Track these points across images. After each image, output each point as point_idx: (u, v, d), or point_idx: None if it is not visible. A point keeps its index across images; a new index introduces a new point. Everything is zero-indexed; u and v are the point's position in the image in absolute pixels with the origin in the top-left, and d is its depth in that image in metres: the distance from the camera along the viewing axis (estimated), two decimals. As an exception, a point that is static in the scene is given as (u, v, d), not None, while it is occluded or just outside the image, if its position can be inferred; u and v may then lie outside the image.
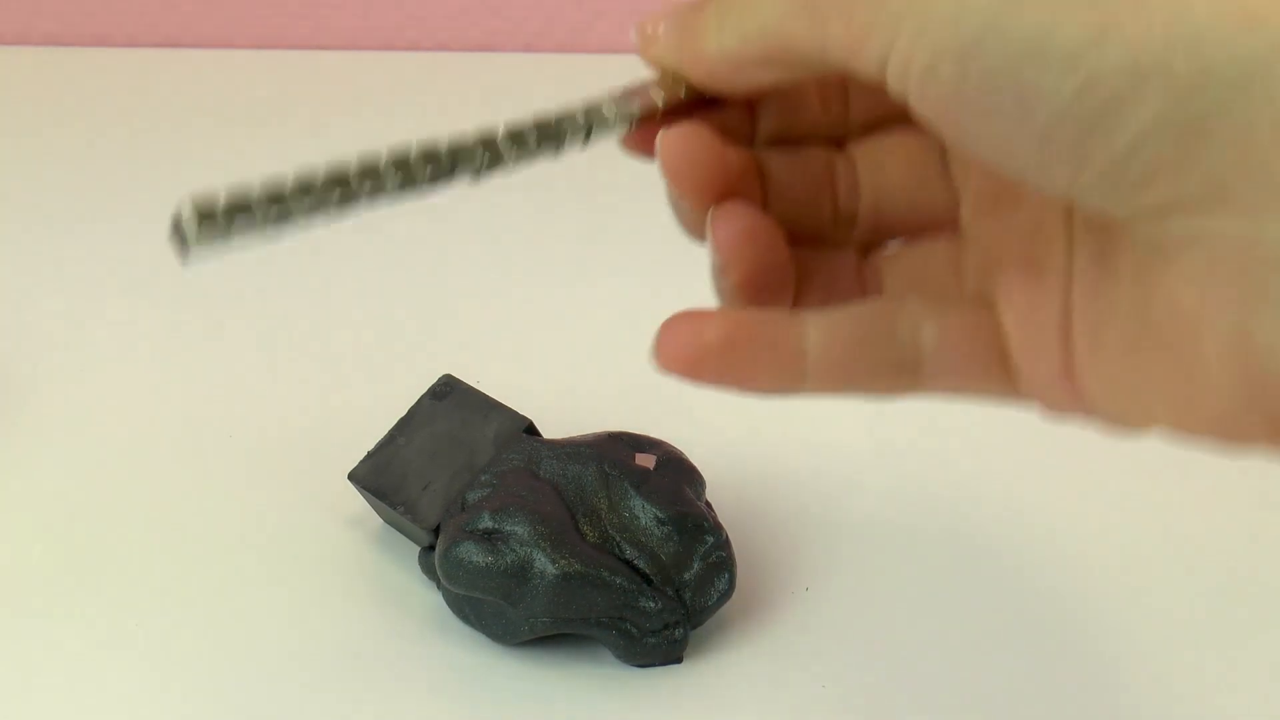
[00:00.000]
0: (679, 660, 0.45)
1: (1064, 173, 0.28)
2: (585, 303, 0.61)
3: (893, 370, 0.33)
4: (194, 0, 0.79)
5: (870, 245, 0.36)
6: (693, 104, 0.35)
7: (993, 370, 0.33)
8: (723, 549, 0.46)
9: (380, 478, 0.48)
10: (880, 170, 0.36)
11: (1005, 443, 0.54)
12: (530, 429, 0.49)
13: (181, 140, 0.71)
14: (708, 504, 0.48)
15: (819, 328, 0.33)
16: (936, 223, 0.35)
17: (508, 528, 0.44)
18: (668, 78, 0.35)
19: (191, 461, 0.53)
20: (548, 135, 0.36)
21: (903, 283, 0.35)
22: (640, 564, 0.45)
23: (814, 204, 0.36)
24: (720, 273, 0.34)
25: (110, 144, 0.71)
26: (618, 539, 0.46)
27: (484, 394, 0.50)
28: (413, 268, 0.63)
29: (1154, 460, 0.53)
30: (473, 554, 0.44)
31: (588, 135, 0.36)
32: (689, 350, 0.33)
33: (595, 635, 0.45)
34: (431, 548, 0.47)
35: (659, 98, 0.35)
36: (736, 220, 0.34)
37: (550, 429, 0.51)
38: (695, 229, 0.35)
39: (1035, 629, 0.47)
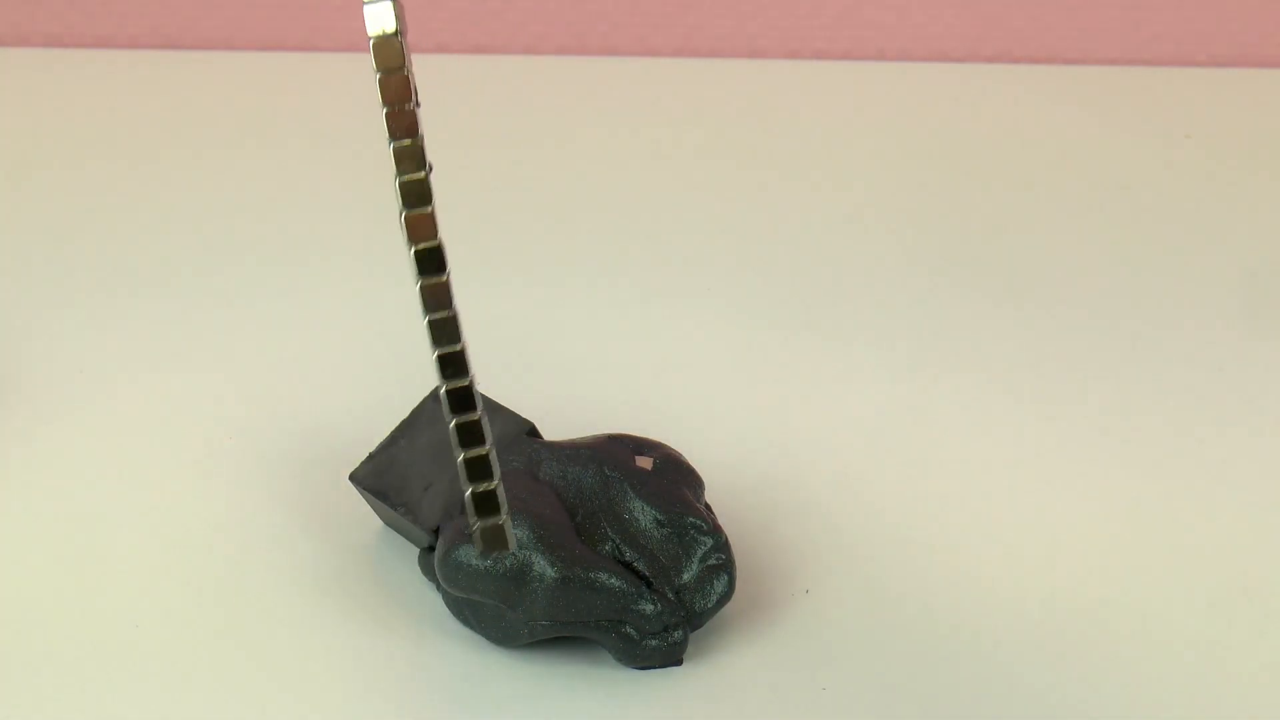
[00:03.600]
0: (679, 663, 0.45)
1: None
2: (587, 305, 0.61)
3: None
4: (195, 2, 0.79)
5: None
6: None
7: None
8: (722, 551, 0.46)
9: (381, 479, 0.48)
10: None
11: (1006, 444, 0.54)
12: (532, 431, 0.49)
13: (182, 142, 0.71)
14: (707, 506, 0.48)
15: None
16: None
17: (507, 530, 0.45)
18: None
19: (192, 462, 0.53)
20: None
21: None
22: (639, 566, 0.45)
23: None
24: None
25: (110, 146, 0.71)
26: (617, 541, 0.46)
27: (486, 396, 0.50)
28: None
29: (1156, 461, 0.53)
30: (472, 557, 0.44)
31: None
32: None
33: (595, 638, 0.45)
34: (432, 549, 0.47)
35: None
36: None
37: (552, 431, 0.51)
38: None
39: (1036, 631, 0.47)
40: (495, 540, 0.38)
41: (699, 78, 0.77)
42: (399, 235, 0.65)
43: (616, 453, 0.47)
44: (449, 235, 0.65)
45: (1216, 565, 0.49)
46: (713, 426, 0.55)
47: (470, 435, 0.38)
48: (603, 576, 0.44)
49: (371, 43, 0.35)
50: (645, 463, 0.47)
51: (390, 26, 0.35)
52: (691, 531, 0.46)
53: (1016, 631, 0.47)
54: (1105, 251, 0.64)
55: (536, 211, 0.67)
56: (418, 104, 0.35)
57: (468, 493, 0.38)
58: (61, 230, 0.65)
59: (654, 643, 0.45)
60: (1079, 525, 0.51)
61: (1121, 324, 0.60)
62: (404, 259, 0.63)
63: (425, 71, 0.77)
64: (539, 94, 0.76)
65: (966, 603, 0.48)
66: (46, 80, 0.76)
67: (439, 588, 0.46)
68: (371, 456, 0.49)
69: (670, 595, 0.45)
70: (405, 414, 0.51)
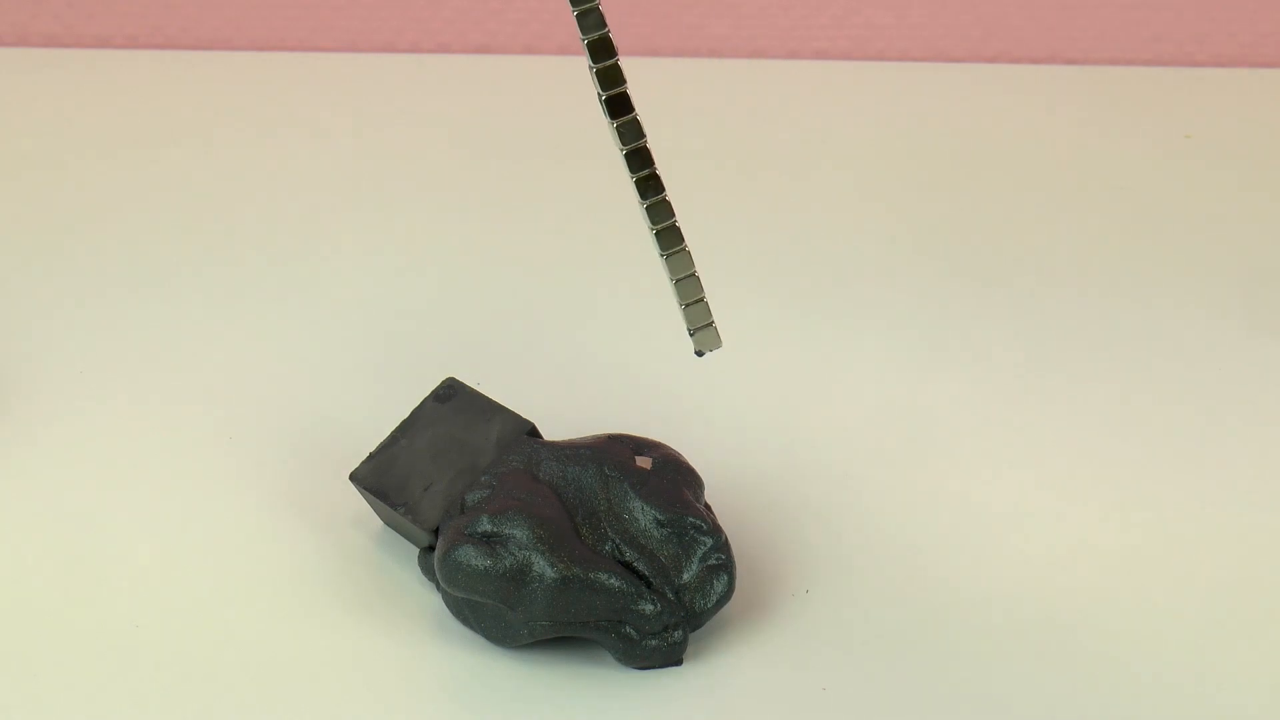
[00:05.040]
0: (679, 663, 0.45)
1: None
2: (588, 305, 0.61)
3: None
4: (194, 2, 0.79)
5: None
6: None
7: None
8: (722, 551, 0.46)
9: (382, 478, 0.48)
10: None
11: (1006, 444, 0.54)
12: (533, 431, 0.49)
13: (181, 142, 0.71)
14: (707, 506, 0.48)
15: None
16: None
17: (506, 531, 0.44)
18: None
19: (192, 461, 0.53)
20: None
21: None
22: (639, 566, 0.45)
23: None
24: None
25: (110, 146, 0.71)
26: (617, 541, 0.46)
27: (487, 397, 0.50)
28: (417, 270, 0.63)
29: (1156, 460, 0.53)
30: (471, 558, 0.44)
31: None
32: None
33: (595, 638, 0.45)
34: (432, 549, 0.47)
35: None
36: None
37: (552, 431, 0.51)
38: None
39: (1035, 630, 0.47)
40: (709, 339, 0.43)
41: (699, 78, 0.77)
42: (402, 233, 0.65)
43: (616, 453, 0.47)
44: (448, 236, 0.65)
45: (1216, 564, 0.49)
46: (713, 426, 0.55)
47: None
48: (603, 576, 0.44)
49: None
50: (645, 463, 0.47)
51: None
52: (691, 531, 0.46)
53: (1016, 631, 0.47)
54: (1105, 251, 0.64)
55: (536, 211, 0.66)
56: None
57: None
58: (61, 230, 0.65)
59: (654, 643, 0.45)
60: (1079, 524, 0.51)
61: (1121, 324, 0.60)
62: (409, 247, 0.64)
63: (424, 72, 0.77)
64: (540, 94, 0.76)
65: (966, 602, 0.48)
66: (46, 80, 0.76)
67: (439, 588, 0.46)
68: (371, 456, 0.49)
69: (670, 595, 0.45)
70: (405, 414, 0.51)
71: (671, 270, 0.43)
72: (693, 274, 0.43)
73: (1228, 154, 0.71)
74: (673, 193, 0.69)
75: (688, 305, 0.43)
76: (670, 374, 0.57)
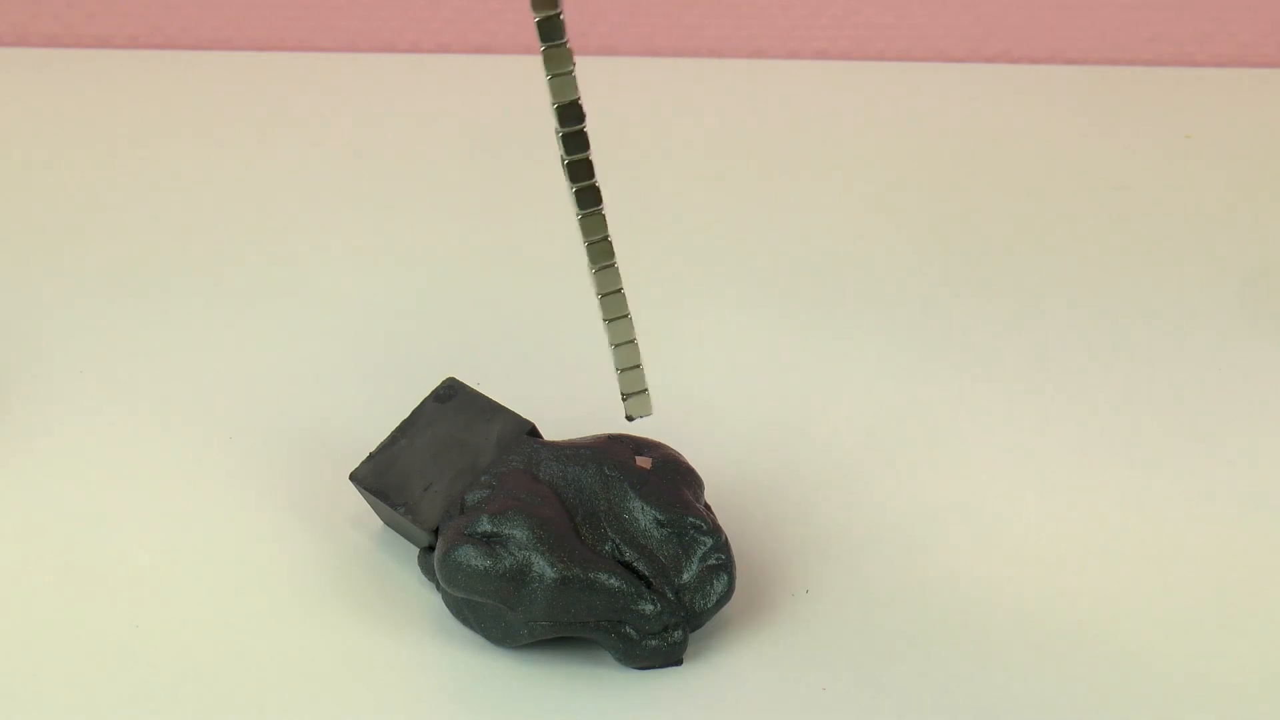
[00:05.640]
0: (679, 663, 0.45)
1: None
2: (588, 305, 0.61)
3: None
4: (194, 2, 0.79)
5: None
6: None
7: None
8: (722, 551, 0.46)
9: (382, 478, 0.48)
10: None
11: (1007, 444, 0.54)
12: (533, 431, 0.49)
13: (181, 142, 0.71)
14: (707, 506, 0.48)
15: None
16: None
17: (506, 531, 0.44)
18: None
19: (192, 462, 0.53)
20: None
21: None
22: (639, 566, 0.45)
23: None
24: None
25: (110, 146, 0.71)
26: (617, 541, 0.46)
27: (487, 397, 0.50)
28: (416, 270, 0.63)
29: (1157, 461, 0.53)
30: (471, 558, 0.44)
31: None
32: None
33: (595, 638, 0.45)
34: (432, 549, 0.47)
35: None
36: None
37: (552, 431, 0.51)
38: None
39: (1035, 630, 0.47)
40: (640, 406, 0.45)
41: (699, 78, 0.77)
42: (405, 226, 0.65)
43: (616, 453, 0.47)
44: (448, 236, 0.65)
45: (1216, 565, 0.49)
46: (713, 426, 0.55)
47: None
48: (603, 576, 0.44)
49: None
50: (645, 463, 0.47)
51: None
52: (691, 531, 0.46)
53: (1016, 631, 0.47)
54: (1105, 252, 0.64)
55: (536, 211, 0.66)
56: None
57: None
58: (61, 230, 0.65)
59: (654, 643, 0.45)
60: (1079, 525, 0.51)
61: (1121, 324, 0.60)
62: (410, 247, 0.64)
63: (424, 72, 0.77)
64: (539, 94, 0.76)
65: (966, 603, 0.48)
66: (46, 80, 0.76)
67: (439, 588, 0.46)
68: (371, 456, 0.49)
69: (670, 595, 0.45)
70: (405, 414, 0.51)
71: (612, 336, 0.44)
72: (631, 340, 0.44)
73: (1228, 154, 0.71)
74: (672, 193, 0.69)
75: (623, 371, 0.44)
76: (670, 374, 0.57)
